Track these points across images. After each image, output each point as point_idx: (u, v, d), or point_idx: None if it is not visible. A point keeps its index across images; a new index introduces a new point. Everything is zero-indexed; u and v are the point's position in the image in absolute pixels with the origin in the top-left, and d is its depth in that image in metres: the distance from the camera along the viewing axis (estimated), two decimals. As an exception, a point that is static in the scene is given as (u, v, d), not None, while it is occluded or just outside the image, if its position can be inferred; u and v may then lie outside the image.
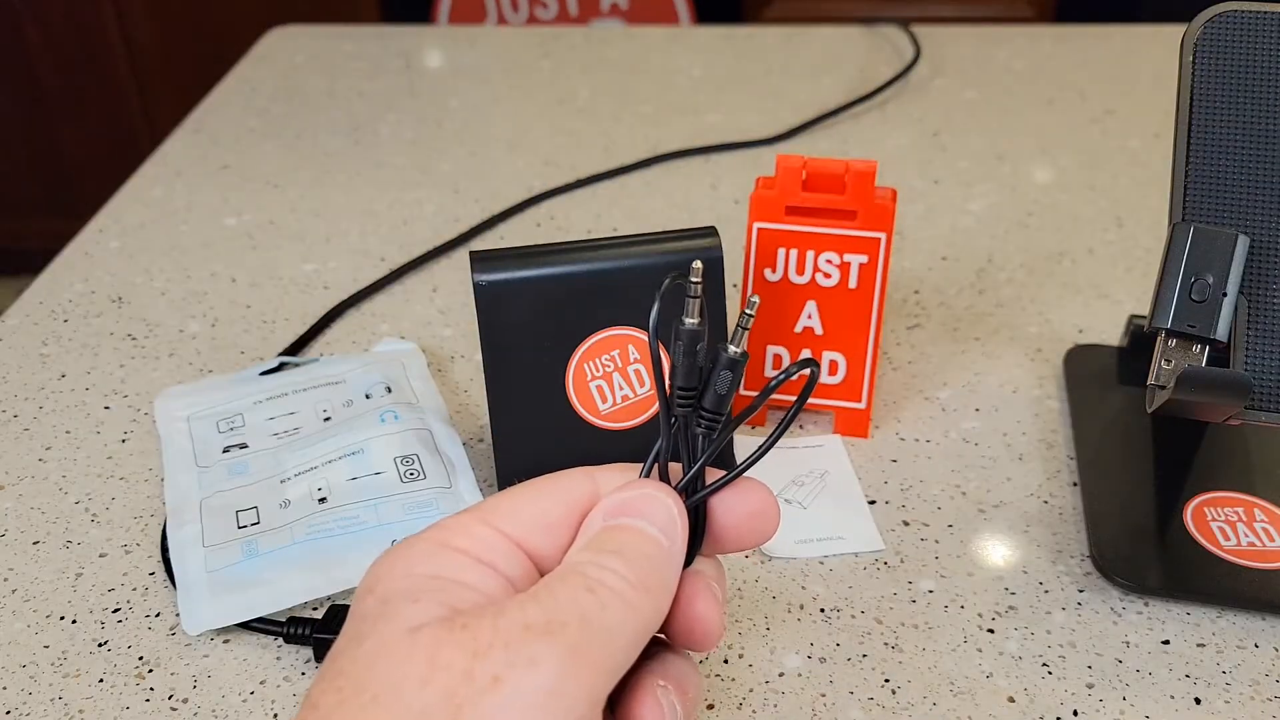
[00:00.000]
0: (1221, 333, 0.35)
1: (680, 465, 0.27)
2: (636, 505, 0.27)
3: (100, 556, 0.42)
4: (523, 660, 0.22)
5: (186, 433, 0.47)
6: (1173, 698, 0.36)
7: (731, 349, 0.26)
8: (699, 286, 0.26)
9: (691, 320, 0.27)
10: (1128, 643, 0.38)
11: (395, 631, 0.23)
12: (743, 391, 0.47)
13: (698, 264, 0.26)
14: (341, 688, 0.23)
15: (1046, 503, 0.44)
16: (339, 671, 0.24)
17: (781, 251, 0.45)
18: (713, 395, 0.27)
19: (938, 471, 0.45)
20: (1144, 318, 0.44)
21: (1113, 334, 0.54)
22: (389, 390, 0.48)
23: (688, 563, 0.27)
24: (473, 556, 0.25)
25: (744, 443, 0.46)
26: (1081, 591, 0.40)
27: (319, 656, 0.37)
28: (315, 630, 0.37)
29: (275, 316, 0.56)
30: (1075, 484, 0.45)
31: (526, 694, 0.22)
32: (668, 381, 0.27)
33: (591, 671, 0.23)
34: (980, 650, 0.37)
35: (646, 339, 0.42)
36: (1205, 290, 0.35)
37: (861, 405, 0.47)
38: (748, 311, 0.27)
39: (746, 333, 0.27)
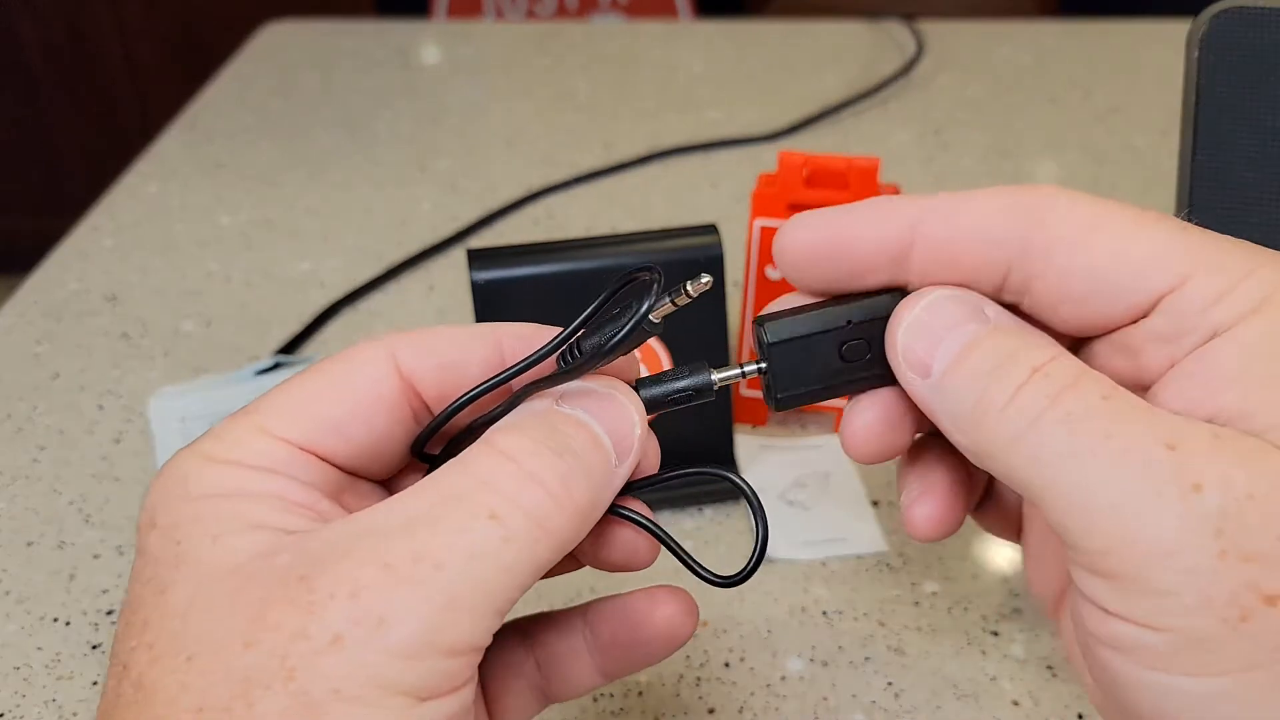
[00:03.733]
0: None
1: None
2: (601, 404, 0.22)
3: (94, 558, 0.42)
4: (371, 618, 0.19)
5: (181, 433, 0.46)
6: (1179, 702, 0.35)
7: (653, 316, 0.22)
8: (689, 300, 0.23)
9: (655, 321, 0.23)
10: (1134, 646, 0.37)
11: (208, 577, 0.20)
12: (744, 392, 0.47)
13: (708, 279, 0.23)
14: (152, 644, 0.19)
15: (1051, 503, 0.43)
16: (146, 625, 0.20)
17: (783, 249, 0.45)
18: (597, 343, 0.22)
19: (941, 472, 0.45)
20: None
21: (1117, 332, 0.53)
22: (386, 390, 0.47)
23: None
24: (250, 468, 0.21)
25: (744, 441, 0.46)
26: (1087, 594, 0.39)
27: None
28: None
29: (271, 315, 0.56)
30: (1080, 484, 0.44)
31: (375, 655, 0.18)
32: (574, 336, 0.23)
33: (471, 619, 0.19)
34: (984, 653, 0.37)
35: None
36: None
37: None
38: (689, 290, 0.22)
39: (673, 310, 0.23)
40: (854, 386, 0.24)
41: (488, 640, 0.20)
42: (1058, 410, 0.19)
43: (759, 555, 0.24)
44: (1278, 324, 0.19)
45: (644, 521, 0.24)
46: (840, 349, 0.23)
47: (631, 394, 0.23)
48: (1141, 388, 0.21)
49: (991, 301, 0.22)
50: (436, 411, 0.23)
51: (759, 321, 0.24)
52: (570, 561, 0.25)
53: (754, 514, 0.24)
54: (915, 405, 0.23)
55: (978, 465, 0.21)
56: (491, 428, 0.22)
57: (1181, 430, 0.19)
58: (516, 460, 0.21)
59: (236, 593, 0.19)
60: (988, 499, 0.27)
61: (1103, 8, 1.08)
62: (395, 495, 0.21)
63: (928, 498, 0.25)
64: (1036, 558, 0.26)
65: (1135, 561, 0.18)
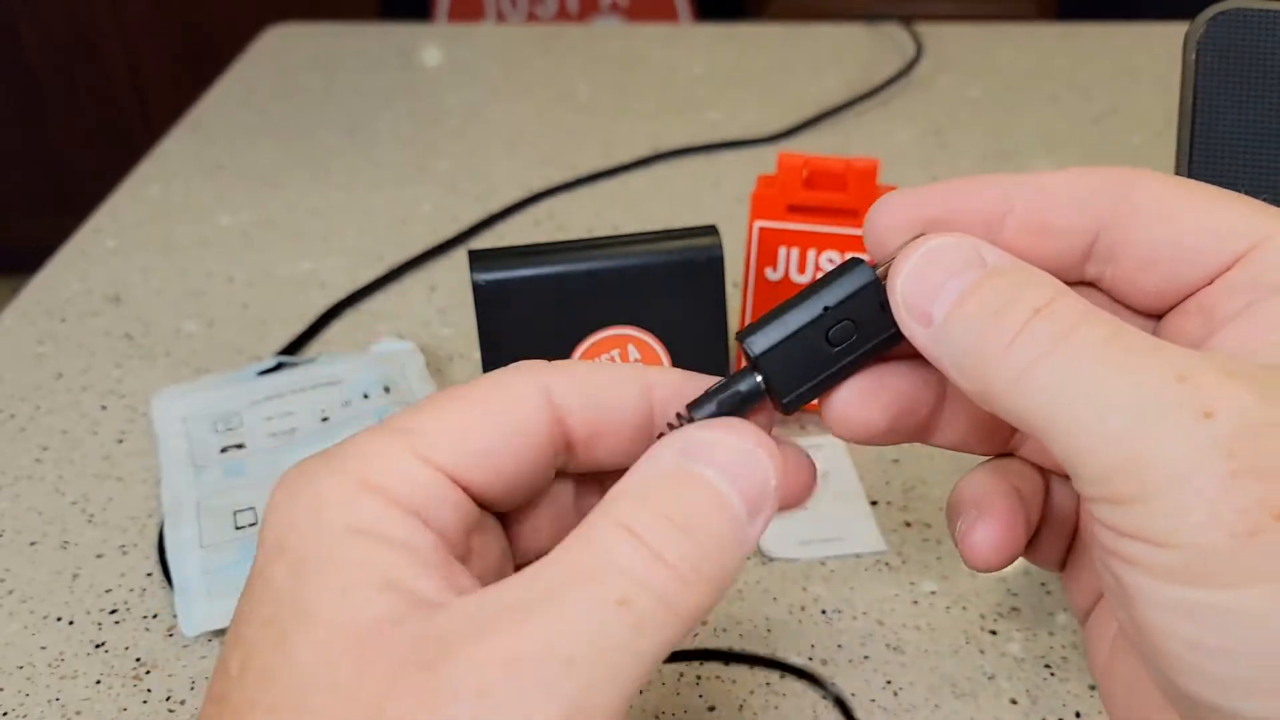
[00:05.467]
0: None
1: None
2: (723, 454, 0.21)
3: (97, 557, 0.42)
4: (507, 714, 0.17)
5: (183, 433, 0.46)
6: (1177, 700, 0.36)
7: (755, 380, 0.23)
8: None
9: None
10: (1131, 644, 0.37)
11: (333, 639, 0.19)
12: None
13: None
14: (274, 707, 0.18)
15: (1049, 503, 0.43)
16: (267, 678, 0.19)
17: (783, 250, 0.45)
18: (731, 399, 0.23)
19: (940, 472, 0.45)
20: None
21: (1115, 333, 0.53)
22: (387, 390, 0.47)
23: None
24: (398, 504, 0.20)
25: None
26: (1084, 593, 0.39)
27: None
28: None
29: (272, 316, 0.56)
30: (1078, 484, 0.44)
31: None
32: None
33: (604, 709, 0.18)
34: (983, 652, 0.37)
35: (647, 338, 0.41)
36: None
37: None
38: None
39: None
40: (853, 366, 0.24)
41: None
42: (1062, 348, 0.19)
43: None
44: None
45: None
46: (827, 336, 0.24)
47: (767, 441, 0.21)
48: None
49: (989, 245, 0.22)
50: (581, 450, 0.23)
51: (740, 338, 0.24)
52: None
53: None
54: (892, 376, 0.24)
55: (982, 407, 0.21)
56: (612, 490, 0.20)
57: (1192, 363, 0.19)
58: (640, 536, 0.19)
59: (362, 668, 0.18)
60: (1035, 534, 0.27)
61: (1101, 11, 1.08)
62: (522, 571, 0.20)
63: (986, 520, 0.24)
64: (1075, 572, 0.26)
65: (1144, 485, 0.18)
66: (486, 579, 0.21)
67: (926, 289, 0.21)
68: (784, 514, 0.23)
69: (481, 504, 0.22)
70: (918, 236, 0.23)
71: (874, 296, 0.23)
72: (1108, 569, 0.20)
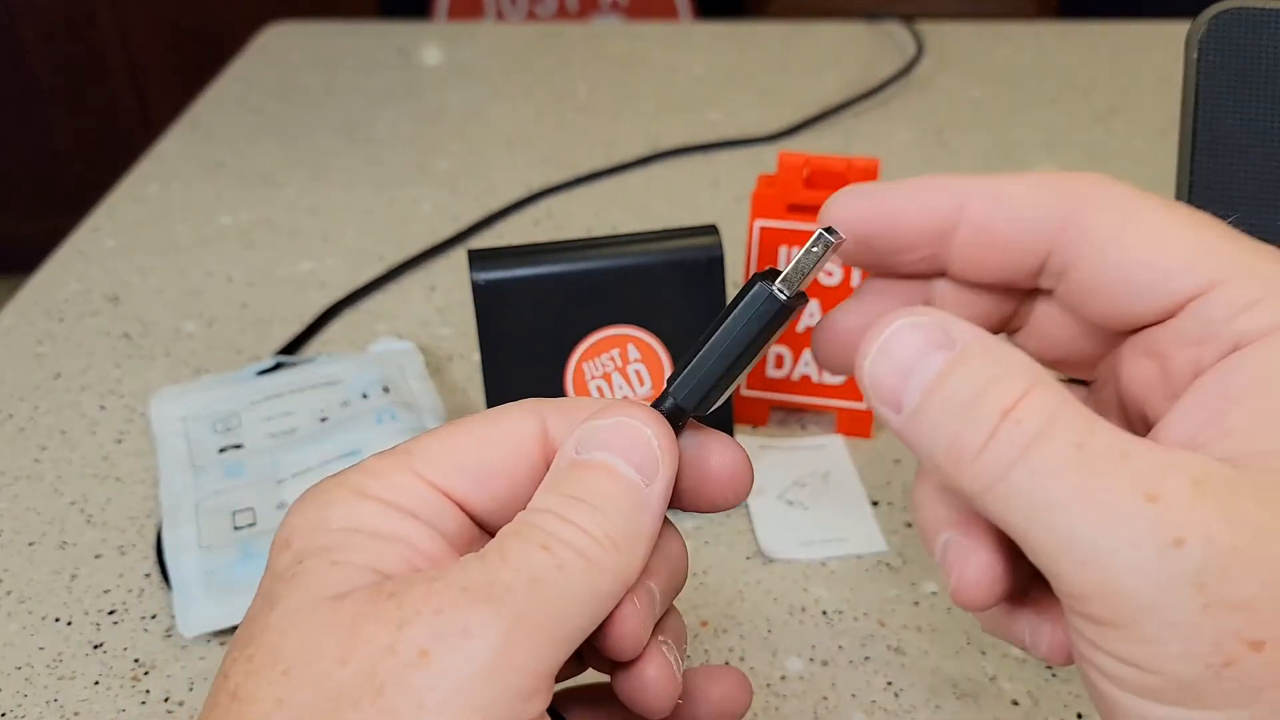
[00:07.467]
0: None
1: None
2: (608, 435, 0.23)
3: (96, 558, 0.42)
4: (454, 631, 0.20)
5: (182, 433, 0.46)
6: (1178, 701, 0.35)
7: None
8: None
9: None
10: (1133, 645, 0.37)
11: (312, 598, 0.21)
12: (744, 392, 0.47)
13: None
14: (252, 656, 0.20)
15: (1050, 503, 0.43)
16: (250, 638, 0.21)
17: (783, 250, 0.45)
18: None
19: (940, 472, 0.45)
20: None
21: (1116, 333, 0.53)
22: (386, 390, 0.47)
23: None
24: (393, 507, 0.22)
25: (744, 441, 0.46)
26: (1086, 593, 0.39)
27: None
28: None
29: (272, 316, 0.56)
30: (1079, 484, 0.44)
31: (459, 669, 0.19)
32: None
33: (540, 641, 0.20)
34: (984, 653, 0.37)
35: (646, 338, 0.41)
36: None
37: (864, 405, 0.46)
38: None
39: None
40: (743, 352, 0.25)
41: (555, 669, 0.21)
42: (1030, 462, 0.19)
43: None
44: None
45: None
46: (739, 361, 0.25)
47: (646, 411, 0.23)
48: (1170, 396, 0.21)
49: (960, 320, 0.21)
50: None
51: (669, 394, 0.25)
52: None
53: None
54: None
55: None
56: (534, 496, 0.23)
57: (1162, 479, 0.18)
58: (554, 513, 0.22)
59: (334, 613, 0.20)
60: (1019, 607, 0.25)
61: (1102, 9, 1.08)
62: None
63: (975, 553, 0.23)
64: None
65: (1118, 612, 0.18)
66: None
67: (894, 373, 0.21)
68: (725, 505, 0.25)
69: (480, 524, 0.24)
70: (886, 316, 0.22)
71: (770, 306, 0.25)
72: (1087, 676, 0.20)
